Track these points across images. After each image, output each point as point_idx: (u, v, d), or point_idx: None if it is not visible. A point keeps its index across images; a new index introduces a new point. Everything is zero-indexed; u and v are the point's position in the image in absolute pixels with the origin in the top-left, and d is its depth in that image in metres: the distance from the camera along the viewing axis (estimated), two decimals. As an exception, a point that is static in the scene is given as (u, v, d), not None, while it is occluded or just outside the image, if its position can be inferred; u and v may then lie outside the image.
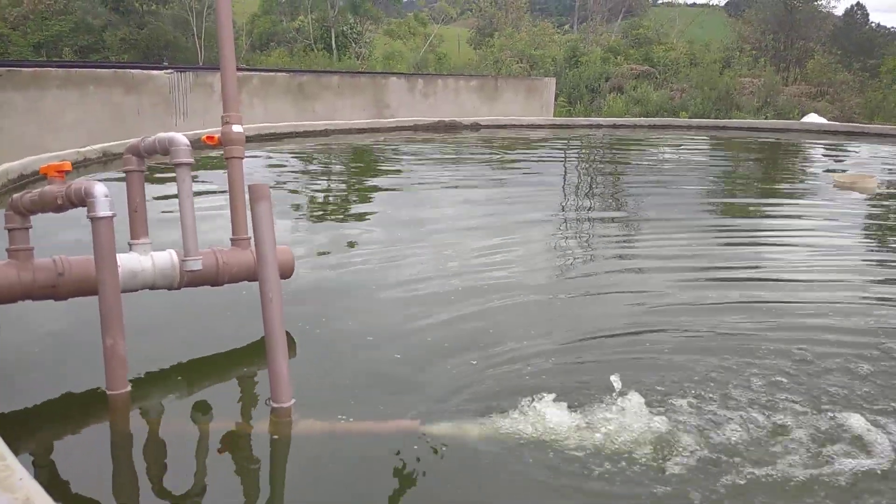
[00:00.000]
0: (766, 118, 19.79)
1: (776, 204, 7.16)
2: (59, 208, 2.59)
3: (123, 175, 2.96)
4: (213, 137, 3.10)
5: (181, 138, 2.77)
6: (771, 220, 6.41)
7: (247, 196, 2.65)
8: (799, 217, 6.54)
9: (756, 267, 4.60)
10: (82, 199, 2.48)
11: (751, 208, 6.96)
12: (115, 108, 11.09)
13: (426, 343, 3.09)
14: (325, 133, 11.17)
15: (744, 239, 5.50)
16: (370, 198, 6.76)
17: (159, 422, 2.47)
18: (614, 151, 11.50)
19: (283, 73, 13.85)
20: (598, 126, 14.60)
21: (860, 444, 2.30)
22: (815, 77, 24.25)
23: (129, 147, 2.89)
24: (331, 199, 6.57)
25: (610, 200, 7.00)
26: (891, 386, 2.73)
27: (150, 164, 3.45)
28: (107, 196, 2.46)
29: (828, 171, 9.49)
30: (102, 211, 2.45)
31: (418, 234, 5.14)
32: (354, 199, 6.64)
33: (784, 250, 5.07)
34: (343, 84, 14.10)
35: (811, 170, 10.24)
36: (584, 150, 11.52)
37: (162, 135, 2.80)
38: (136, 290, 2.87)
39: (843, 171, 9.47)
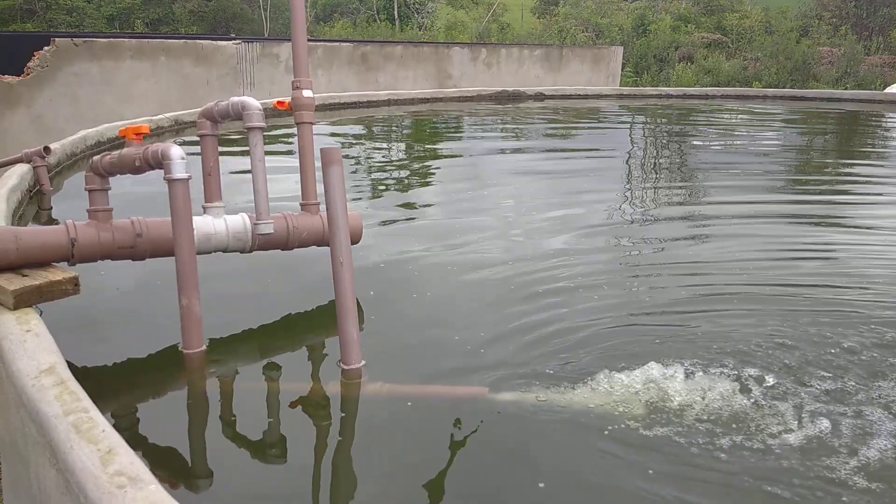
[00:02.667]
0: (846, 89, 18.85)
1: (855, 178, 6.82)
2: (136, 170, 2.65)
3: (197, 139, 3.01)
4: (283, 103, 3.11)
5: (254, 102, 2.78)
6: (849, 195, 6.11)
7: (317, 161, 2.66)
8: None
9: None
10: (159, 161, 2.52)
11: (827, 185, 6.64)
12: (184, 79, 11.34)
13: (494, 314, 3.06)
14: (388, 103, 11.16)
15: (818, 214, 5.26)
16: (434, 168, 6.73)
17: (233, 380, 2.52)
18: (684, 122, 11.14)
19: (347, 44, 13.87)
20: (668, 96, 14.16)
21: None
22: (900, 45, 22.92)
23: (202, 111, 2.92)
24: (394, 168, 6.57)
25: (678, 172, 6.79)
26: None
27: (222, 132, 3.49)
28: (183, 158, 2.50)
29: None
30: (179, 173, 2.49)
31: (482, 204, 5.09)
32: (417, 168, 6.63)
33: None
34: (406, 54, 14.05)
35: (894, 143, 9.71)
36: (652, 121, 11.20)
37: (235, 98, 2.83)
38: (210, 253, 2.92)
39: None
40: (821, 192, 6.10)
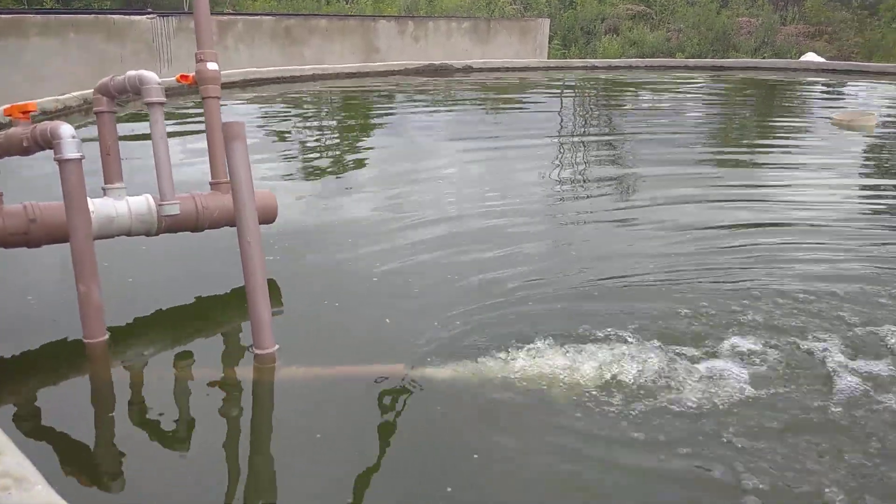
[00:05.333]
0: (763, 58, 19.40)
1: (774, 144, 7.03)
2: (25, 151, 2.48)
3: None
4: (187, 76, 2.96)
5: (152, 76, 2.64)
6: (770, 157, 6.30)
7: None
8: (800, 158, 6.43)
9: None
10: (48, 141, 2.36)
11: (748, 150, 6.83)
12: (97, 56, 10.78)
13: (415, 289, 3.02)
14: (313, 78, 10.90)
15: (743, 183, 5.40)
16: (360, 143, 6.61)
17: (140, 369, 2.40)
18: (610, 93, 11.28)
19: (269, 17, 13.44)
20: (594, 67, 14.29)
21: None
22: (813, 16, 23.71)
23: (98, 87, 2.75)
24: (320, 143, 6.41)
25: (607, 142, 6.85)
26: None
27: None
28: (74, 137, 2.34)
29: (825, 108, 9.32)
30: (70, 152, 2.33)
31: (410, 179, 5.03)
32: (345, 143, 6.49)
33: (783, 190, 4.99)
34: (331, 28, 13.71)
35: (809, 108, 10.06)
36: (579, 92, 11.28)
37: (132, 73, 2.67)
38: (113, 237, 2.77)
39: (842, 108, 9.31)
40: (741, 158, 6.27)
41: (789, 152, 6.52)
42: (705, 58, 18.99)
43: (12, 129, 2.51)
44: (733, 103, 10.39)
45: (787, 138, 7.21)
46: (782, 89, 12.04)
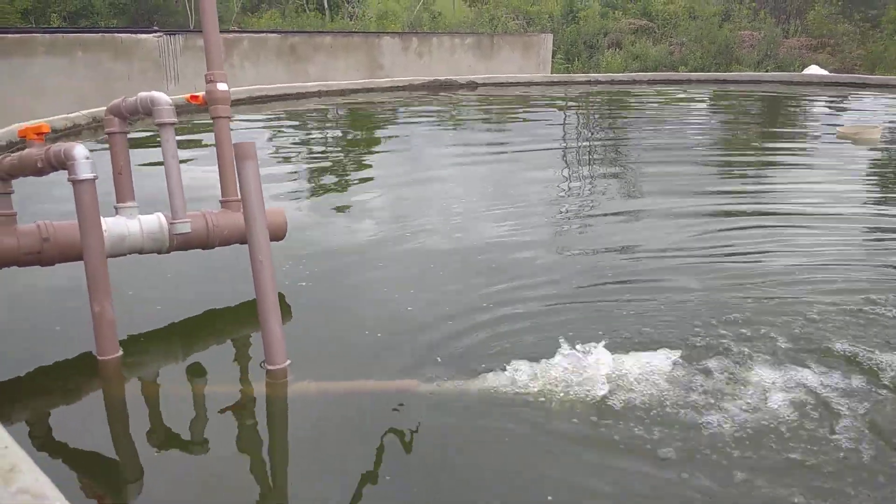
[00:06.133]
0: (766, 71, 19.48)
1: (780, 155, 7.05)
2: (39, 172, 2.51)
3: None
4: (196, 97, 3.01)
5: (163, 97, 2.68)
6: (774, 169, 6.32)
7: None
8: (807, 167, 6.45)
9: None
10: (62, 162, 2.40)
11: (753, 161, 6.86)
12: (104, 75, 10.90)
13: (426, 304, 3.04)
14: (318, 94, 10.98)
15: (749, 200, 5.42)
16: (367, 160, 6.66)
17: (153, 386, 2.42)
18: (613, 107, 11.33)
19: (274, 35, 13.57)
20: (597, 82, 14.37)
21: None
22: (815, 29, 23.81)
23: (110, 108, 2.80)
24: (326, 160, 6.46)
25: (611, 155, 6.89)
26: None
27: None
28: (87, 158, 2.38)
29: (831, 123, 9.35)
30: (84, 173, 2.37)
31: (417, 194, 5.07)
32: (351, 160, 6.54)
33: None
34: (336, 44, 13.83)
35: (814, 121, 10.09)
36: (582, 107, 11.34)
37: (143, 94, 2.71)
38: (125, 255, 2.81)
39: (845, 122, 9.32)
40: (747, 170, 6.29)
41: (796, 163, 6.55)
42: (708, 71, 19.07)
43: (27, 151, 2.55)
44: (737, 115, 10.43)
45: (792, 151, 7.24)
46: (785, 102, 12.07)
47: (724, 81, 15.18)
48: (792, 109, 11.45)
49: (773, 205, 4.92)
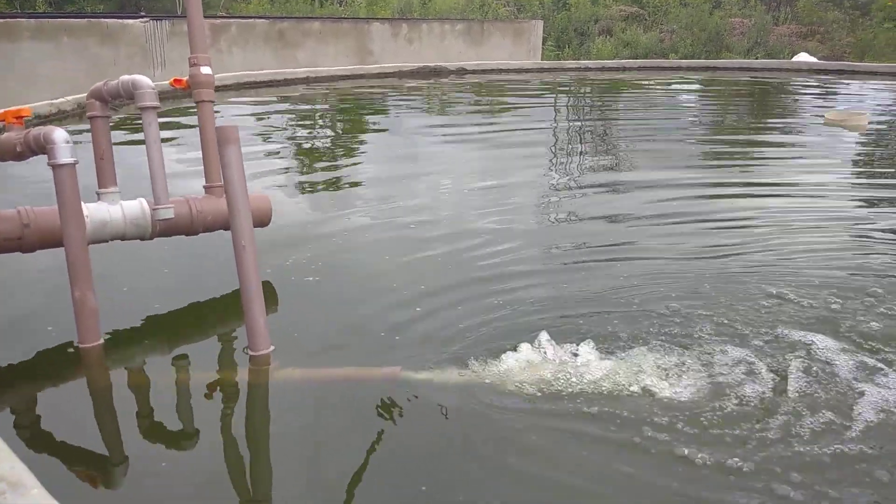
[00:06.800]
0: (756, 59, 19.47)
1: (768, 141, 7.06)
2: (18, 156, 2.48)
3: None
4: (180, 80, 2.97)
5: (145, 80, 2.64)
6: (763, 156, 6.33)
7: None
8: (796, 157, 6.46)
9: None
10: (42, 146, 2.37)
11: (742, 145, 6.86)
12: (91, 60, 10.77)
13: (412, 289, 3.02)
14: (307, 80, 10.91)
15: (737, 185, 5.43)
16: (354, 145, 6.62)
17: (135, 373, 2.41)
18: (603, 93, 11.31)
19: (263, 20, 13.43)
20: (587, 69, 14.33)
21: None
22: (805, 16, 23.81)
23: (91, 91, 2.76)
24: (315, 146, 6.42)
25: (601, 142, 6.88)
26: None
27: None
28: (67, 142, 2.35)
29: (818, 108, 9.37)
30: (63, 157, 2.34)
31: (407, 180, 5.04)
32: (338, 146, 6.50)
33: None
34: (325, 30, 13.71)
35: (802, 108, 10.11)
36: (572, 93, 11.31)
37: (125, 77, 2.67)
38: (107, 241, 2.78)
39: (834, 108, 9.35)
40: (736, 159, 6.30)
41: (785, 148, 6.56)
42: (698, 58, 19.05)
43: (6, 135, 2.51)
44: (727, 102, 10.43)
45: (781, 135, 7.25)
46: (774, 89, 12.08)
47: (714, 69, 15.18)
48: (781, 96, 11.46)
49: (758, 187, 4.93)
